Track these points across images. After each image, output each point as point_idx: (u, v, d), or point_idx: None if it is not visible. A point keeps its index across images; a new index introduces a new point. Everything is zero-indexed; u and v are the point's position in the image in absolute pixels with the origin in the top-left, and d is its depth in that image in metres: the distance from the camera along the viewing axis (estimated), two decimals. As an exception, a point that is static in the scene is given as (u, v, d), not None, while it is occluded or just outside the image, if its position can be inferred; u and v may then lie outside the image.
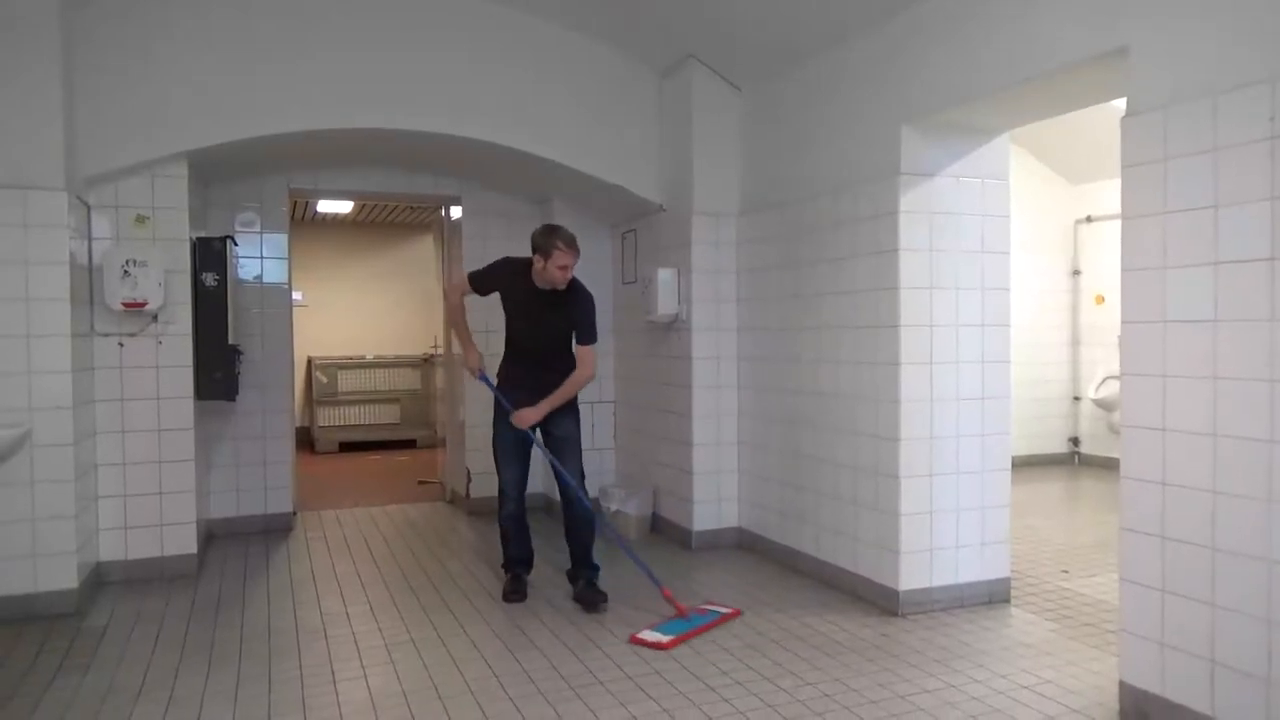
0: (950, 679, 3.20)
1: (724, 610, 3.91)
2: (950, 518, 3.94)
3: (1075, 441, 8.06)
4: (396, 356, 10.65)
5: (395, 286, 10.72)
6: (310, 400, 10.19)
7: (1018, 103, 3.57)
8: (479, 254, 6.12)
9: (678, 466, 5.25)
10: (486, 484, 6.01)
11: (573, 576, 4.17)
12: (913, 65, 3.80)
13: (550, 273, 3.92)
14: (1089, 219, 7.84)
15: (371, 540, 5.42)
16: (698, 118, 5.02)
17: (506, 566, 4.29)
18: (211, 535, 5.37)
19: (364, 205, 9.14)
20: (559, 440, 4.16)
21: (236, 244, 5.33)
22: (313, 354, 10.21)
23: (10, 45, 3.85)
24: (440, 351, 7.07)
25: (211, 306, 4.71)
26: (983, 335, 3.98)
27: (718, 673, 3.27)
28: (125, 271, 4.27)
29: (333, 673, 3.31)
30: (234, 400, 5.12)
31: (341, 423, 10.30)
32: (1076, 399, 8.02)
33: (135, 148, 4.34)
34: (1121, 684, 2.90)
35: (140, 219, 4.46)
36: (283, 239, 5.72)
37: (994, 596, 4.02)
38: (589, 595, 4.01)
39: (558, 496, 4.33)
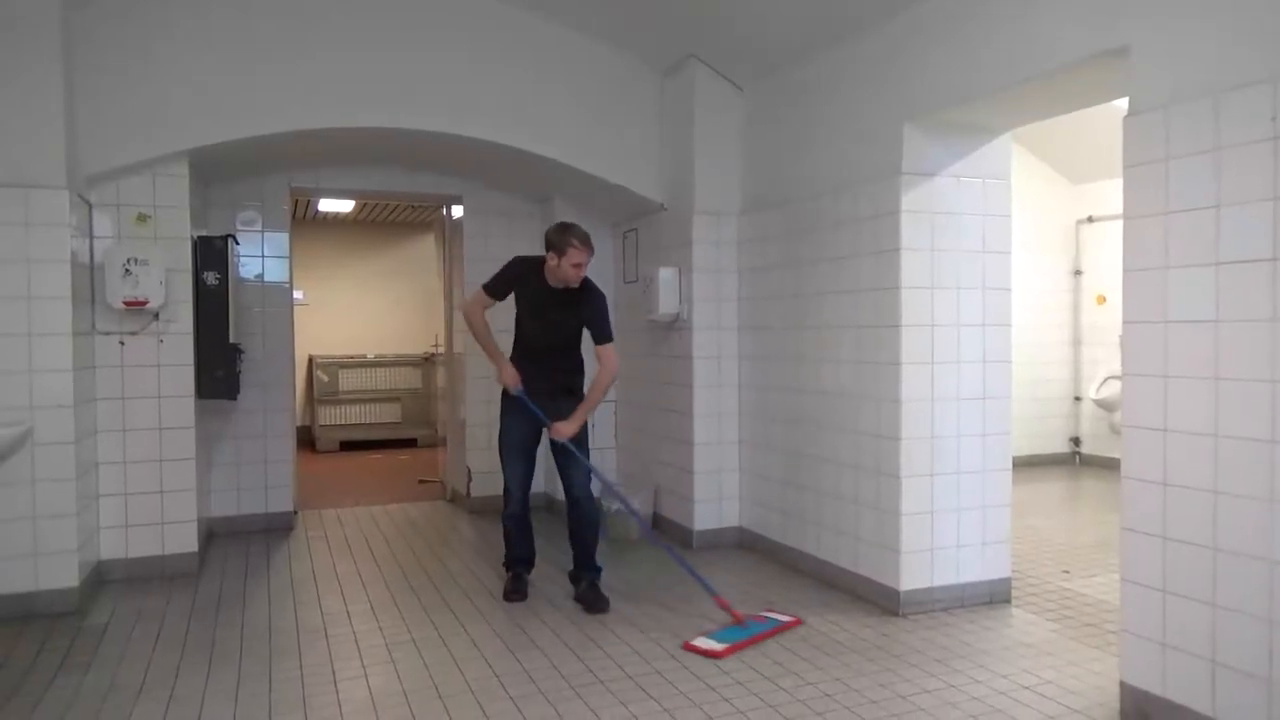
0: (951, 679, 3.20)
1: (784, 619, 3.78)
2: (951, 517, 3.94)
3: (1076, 441, 8.05)
4: (397, 355, 10.65)
5: (396, 285, 10.73)
6: (311, 399, 10.20)
7: (1019, 102, 3.56)
8: (480, 253, 6.15)
9: (679, 465, 5.25)
10: (487, 483, 6.02)
11: (575, 577, 4.17)
12: (914, 65, 3.80)
13: (564, 270, 3.91)
14: (1090, 219, 7.84)
15: (372, 539, 5.42)
16: (699, 117, 5.02)
17: (508, 565, 4.29)
18: (212, 534, 5.38)
19: (365, 204, 9.14)
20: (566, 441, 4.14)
21: (238, 243, 5.34)
22: (314, 353, 10.21)
23: (11, 45, 3.86)
24: (441, 350, 7.07)
25: (213, 305, 4.71)
26: (984, 335, 3.98)
27: (718, 672, 3.26)
28: (126, 270, 4.27)
29: (333, 672, 3.31)
30: (235, 399, 5.12)
31: (342, 422, 10.30)
32: (1078, 399, 8.02)
33: (136, 147, 4.34)
34: (1122, 684, 2.90)
35: (141, 218, 4.46)
36: (284, 238, 5.72)
37: (995, 596, 4.02)
38: (591, 596, 4.01)
39: (559, 496, 4.33)
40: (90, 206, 4.36)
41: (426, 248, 10.01)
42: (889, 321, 3.90)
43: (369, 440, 9.78)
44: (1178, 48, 2.70)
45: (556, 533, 4.98)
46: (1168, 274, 2.71)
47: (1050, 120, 4.14)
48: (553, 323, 4.08)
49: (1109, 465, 7.41)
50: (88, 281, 4.29)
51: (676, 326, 5.26)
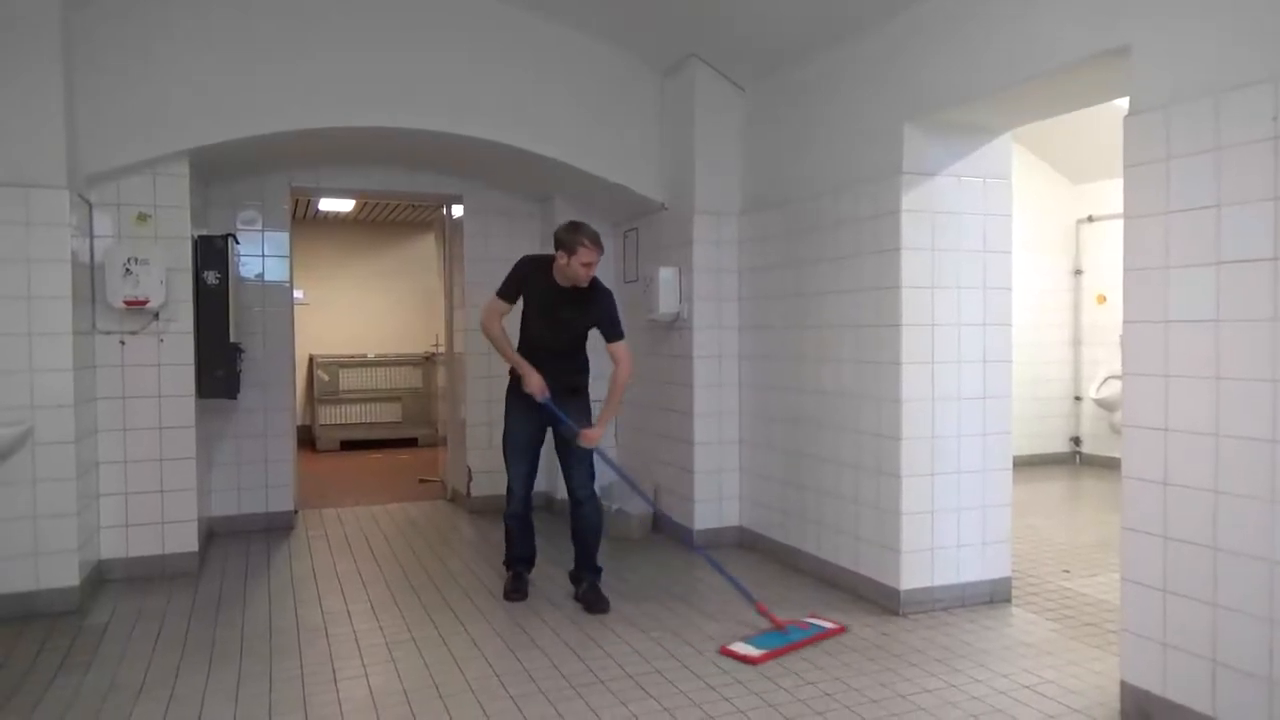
0: (951, 679, 3.20)
1: (827, 625, 3.68)
2: (951, 517, 3.94)
3: (1077, 441, 8.05)
4: (398, 355, 10.65)
5: (397, 285, 10.73)
6: (312, 398, 10.20)
7: (1019, 102, 3.56)
8: (480, 253, 6.15)
9: (679, 465, 5.25)
10: (487, 482, 6.03)
11: (575, 578, 4.17)
12: (914, 64, 3.80)
13: (574, 269, 3.89)
14: (1091, 218, 7.83)
15: (373, 539, 5.42)
16: (699, 116, 5.02)
17: (509, 564, 4.28)
18: (213, 533, 5.38)
19: (365, 204, 9.14)
20: (571, 439, 4.12)
21: (238, 242, 5.34)
22: (314, 352, 10.21)
23: (11, 45, 3.86)
24: (441, 350, 7.07)
25: (213, 304, 4.71)
26: (984, 334, 3.98)
27: (718, 671, 3.26)
28: (127, 269, 4.27)
29: (334, 671, 3.31)
30: (235, 398, 5.12)
31: (343, 421, 10.30)
32: (1078, 399, 8.01)
33: (136, 146, 4.35)
34: (1123, 684, 2.90)
35: (142, 217, 4.46)
36: (284, 237, 5.72)
37: (995, 596, 4.02)
38: (591, 597, 4.01)
39: (559, 495, 4.32)
40: (90, 206, 4.36)
41: (427, 247, 10.01)
42: (889, 321, 3.90)
43: (369, 440, 9.78)
44: (1178, 47, 2.69)
45: (556, 532, 4.99)
46: (1168, 274, 2.71)
47: (1051, 120, 4.14)
48: (561, 322, 4.05)
49: (1109, 465, 7.41)
50: (88, 281, 4.29)
51: (677, 326, 5.26)
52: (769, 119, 4.88)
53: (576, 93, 5.14)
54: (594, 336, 4.15)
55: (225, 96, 4.44)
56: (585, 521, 4.11)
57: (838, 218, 4.26)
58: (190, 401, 4.57)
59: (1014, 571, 4.14)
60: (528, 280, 4.07)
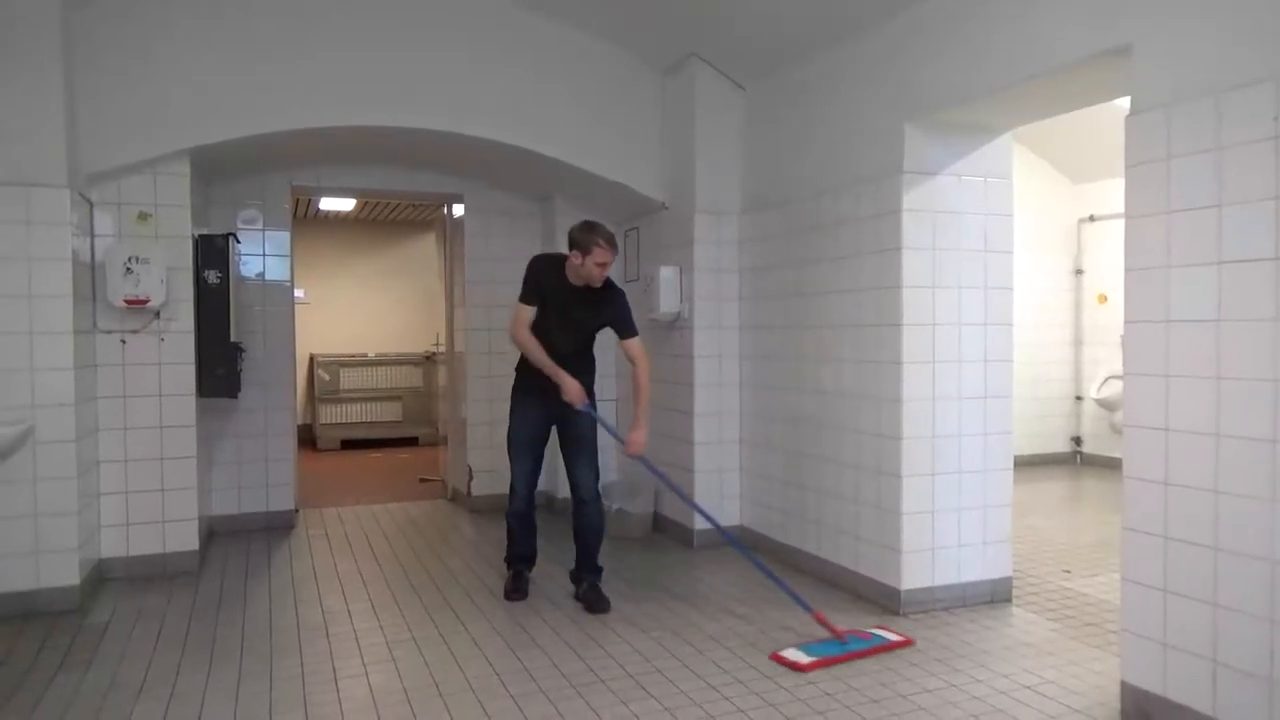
0: (952, 678, 3.20)
1: (892, 637, 3.52)
2: (952, 517, 3.93)
3: (1077, 441, 8.05)
4: (399, 354, 10.65)
5: (397, 284, 10.73)
6: (312, 398, 10.21)
7: (1020, 102, 3.56)
8: (481, 252, 6.16)
9: (679, 465, 5.25)
10: (488, 482, 6.03)
11: (576, 577, 4.17)
12: (915, 64, 3.80)
13: (588, 269, 3.87)
14: (1092, 218, 7.83)
15: (373, 538, 5.43)
16: (700, 116, 5.02)
17: (509, 562, 4.28)
18: (213, 532, 5.38)
19: (366, 203, 9.15)
20: (575, 439, 4.10)
21: (239, 241, 5.34)
22: (315, 351, 10.21)
23: (11, 45, 3.86)
24: (442, 349, 7.07)
25: (214, 304, 4.71)
26: (985, 334, 3.98)
27: (719, 671, 3.26)
28: (128, 268, 4.27)
29: (334, 670, 3.31)
30: (236, 397, 5.13)
31: (343, 420, 10.31)
32: (1079, 398, 8.01)
33: (136, 146, 4.35)
34: (1123, 684, 2.90)
35: (143, 216, 4.46)
36: (285, 236, 5.73)
37: (996, 596, 4.01)
38: (592, 597, 4.00)
39: (559, 495, 4.32)
40: (91, 205, 4.36)
41: (427, 246, 10.01)
42: (890, 320, 3.90)
43: (370, 439, 9.79)
44: (1179, 47, 2.69)
45: (557, 532, 4.99)
46: (1169, 273, 2.71)
47: (1051, 119, 4.13)
48: (575, 321, 4.03)
49: (1110, 465, 7.40)
50: (89, 280, 4.29)
51: (677, 325, 5.26)
52: (770, 118, 4.87)
53: (577, 92, 5.14)
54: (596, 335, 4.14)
55: (225, 96, 4.44)
56: (587, 521, 4.10)
57: (838, 217, 4.26)
58: (191, 400, 4.57)
59: (1015, 571, 4.14)
60: (543, 280, 4.03)
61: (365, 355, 10.57)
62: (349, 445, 9.62)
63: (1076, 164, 7.78)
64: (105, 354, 4.40)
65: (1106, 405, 7.52)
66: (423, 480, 7.39)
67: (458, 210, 6.36)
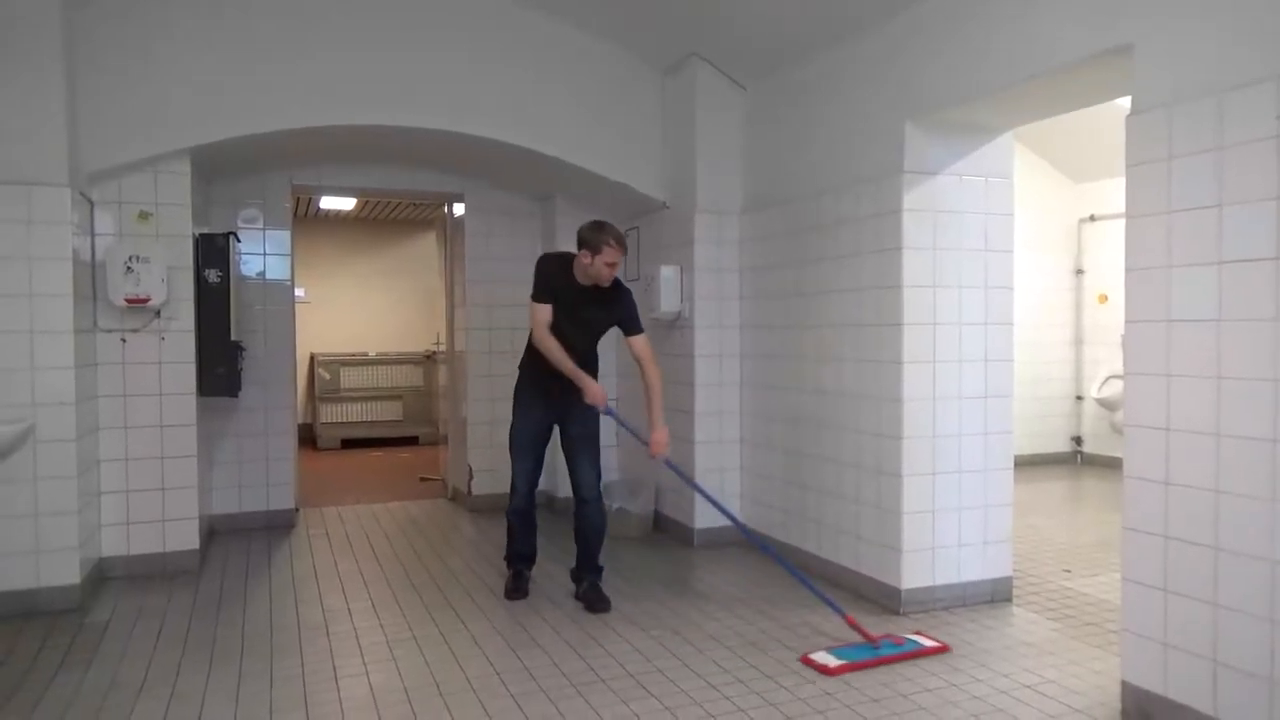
0: (952, 678, 3.20)
1: (928, 643, 3.46)
2: (953, 516, 3.93)
3: (1078, 441, 8.05)
4: (399, 353, 10.65)
5: (398, 283, 10.73)
6: (313, 397, 10.21)
7: (1020, 101, 3.56)
8: (481, 251, 6.16)
9: (680, 464, 5.24)
10: (488, 481, 6.03)
11: (576, 577, 4.16)
12: (915, 63, 3.80)
13: (597, 269, 3.86)
14: (1093, 218, 7.83)
15: (373, 537, 5.43)
16: (700, 115, 5.02)
17: (509, 561, 4.28)
18: (213, 531, 5.38)
19: (367, 202, 9.15)
20: (578, 438, 4.09)
21: (239, 240, 5.34)
22: (315, 350, 10.21)
23: (11, 45, 3.85)
24: (442, 348, 7.07)
25: (214, 303, 4.71)
26: (986, 334, 3.97)
27: (719, 670, 3.27)
28: (128, 267, 4.27)
29: (334, 670, 3.31)
30: (236, 396, 5.13)
31: (344, 419, 10.31)
32: (1079, 398, 8.01)
33: (137, 145, 4.35)
34: (1124, 684, 2.90)
35: (143, 215, 4.46)
36: (285, 235, 5.73)
37: (996, 595, 4.01)
38: (592, 596, 4.00)
39: (559, 494, 4.32)
40: (92, 204, 4.36)
41: (428, 246, 10.01)
42: (891, 320, 3.89)
43: (370, 438, 9.79)
44: (1180, 47, 2.69)
45: (557, 531, 5.00)
46: (1170, 273, 2.71)
47: (1052, 119, 4.13)
48: (583, 320, 4.02)
49: (1110, 464, 7.40)
50: (89, 279, 4.29)
51: (678, 325, 5.26)
52: (770, 118, 4.87)
53: (577, 91, 5.14)
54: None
55: (226, 95, 4.44)
56: (589, 521, 4.10)
57: (839, 217, 4.26)
58: (191, 399, 4.57)
59: (1015, 571, 4.14)
60: (553, 279, 4.01)
61: (366, 354, 10.57)
62: (349, 444, 9.63)
63: (1077, 164, 7.78)
64: (106, 353, 4.40)
65: (1107, 405, 7.52)
66: (423, 479, 7.39)
67: (458, 209, 6.36)
